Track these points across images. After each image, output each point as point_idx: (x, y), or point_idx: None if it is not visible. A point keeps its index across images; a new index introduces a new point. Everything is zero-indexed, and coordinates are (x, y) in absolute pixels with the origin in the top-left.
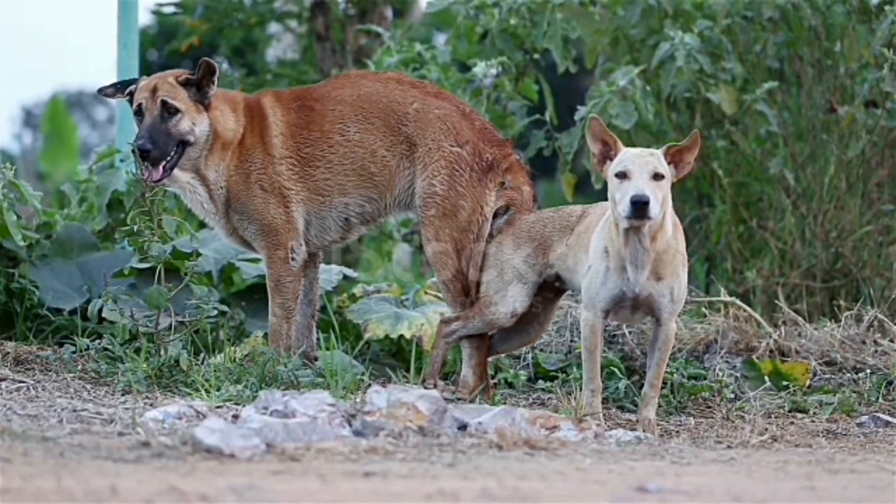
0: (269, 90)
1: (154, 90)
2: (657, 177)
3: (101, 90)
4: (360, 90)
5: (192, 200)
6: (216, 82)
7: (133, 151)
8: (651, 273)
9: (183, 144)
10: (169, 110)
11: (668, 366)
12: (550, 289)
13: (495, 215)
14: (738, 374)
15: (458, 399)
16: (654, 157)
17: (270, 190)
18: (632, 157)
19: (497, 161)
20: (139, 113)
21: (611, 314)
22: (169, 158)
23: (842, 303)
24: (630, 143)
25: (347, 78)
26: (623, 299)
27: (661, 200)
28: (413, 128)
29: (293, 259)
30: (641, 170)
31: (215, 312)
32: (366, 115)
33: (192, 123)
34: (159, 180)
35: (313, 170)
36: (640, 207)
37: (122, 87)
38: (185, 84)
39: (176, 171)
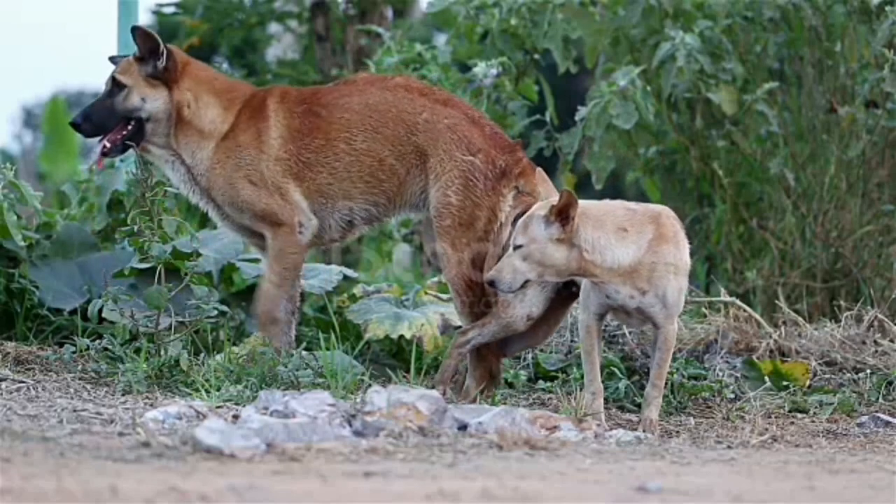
0: (278, 88)
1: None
2: (517, 248)
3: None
4: (369, 99)
5: (175, 178)
6: (164, 55)
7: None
8: (633, 288)
9: (138, 121)
10: (118, 85)
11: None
12: (563, 292)
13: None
14: (739, 375)
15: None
16: (523, 223)
17: (261, 183)
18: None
19: (509, 167)
20: None
21: (610, 315)
22: (113, 133)
23: (842, 303)
24: (631, 143)
25: (355, 85)
26: (612, 306)
27: (521, 270)
28: (423, 138)
29: (301, 233)
30: (511, 244)
31: (215, 313)
32: (374, 125)
33: (142, 99)
34: (107, 152)
35: (314, 174)
36: (492, 285)
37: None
38: (141, 60)
39: (149, 146)
